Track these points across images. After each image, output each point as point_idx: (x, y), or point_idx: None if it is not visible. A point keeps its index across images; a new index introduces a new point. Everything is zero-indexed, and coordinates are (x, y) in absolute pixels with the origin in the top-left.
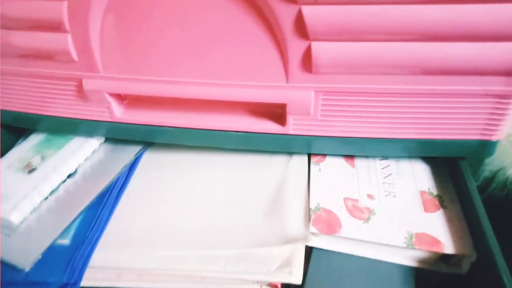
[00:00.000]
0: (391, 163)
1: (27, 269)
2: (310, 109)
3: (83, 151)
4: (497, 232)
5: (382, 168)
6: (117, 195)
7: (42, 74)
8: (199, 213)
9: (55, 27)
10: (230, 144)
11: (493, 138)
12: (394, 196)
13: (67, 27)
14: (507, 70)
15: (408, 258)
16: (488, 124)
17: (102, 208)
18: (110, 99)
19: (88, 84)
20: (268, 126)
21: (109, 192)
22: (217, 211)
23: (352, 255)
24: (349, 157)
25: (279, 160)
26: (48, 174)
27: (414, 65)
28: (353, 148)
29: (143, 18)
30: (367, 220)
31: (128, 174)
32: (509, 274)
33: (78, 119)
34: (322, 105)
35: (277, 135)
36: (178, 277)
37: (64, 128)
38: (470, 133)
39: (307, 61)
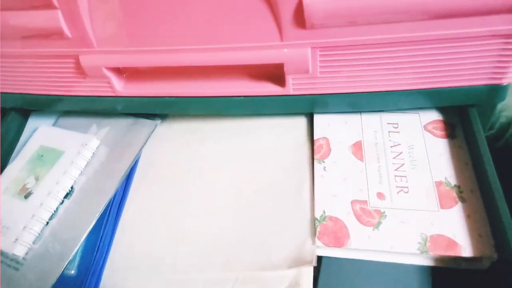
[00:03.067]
0: (403, 150)
1: None
2: (309, 67)
3: (76, 167)
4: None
5: (393, 158)
6: (116, 213)
7: (40, 53)
8: (204, 229)
9: (45, 4)
10: (231, 109)
11: (504, 82)
12: (407, 192)
13: (56, 3)
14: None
15: (424, 260)
16: (497, 67)
17: (104, 230)
18: (109, 74)
19: (85, 60)
20: (268, 88)
21: (108, 211)
22: (223, 226)
23: (364, 260)
24: (357, 146)
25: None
26: (44, 199)
27: (414, 9)
28: (357, 104)
29: None
30: (377, 225)
31: (125, 186)
32: None
33: (81, 96)
34: (321, 61)
35: (278, 97)
36: None
37: (68, 106)
38: (479, 79)
39: (299, 16)
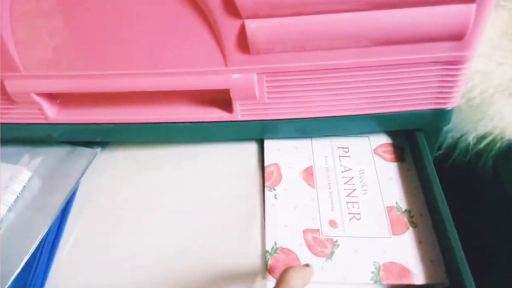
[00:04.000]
0: (354, 174)
1: None
2: (255, 93)
3: (3, 203)
4: (461, 201)
5: (345, 183)
6: (49, 252)
7: None
8: (147, 268)
9: None
10: (177, 136)
11: (448, 107)
12: (359, 219)
13: None
14: (452, 34)
15: None
16: (440, 92)
17: (35, 272)
18: (39, 100)
19: (10, 86)
20: (215, 114)
21: (40, 250)
22: (167, 265)
23: None
24: (308, 171)
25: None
26: None
27: (357, 36)
28: (307, 129)
29: (63, 7)
30: (330, 256)
31: (60, 222)
32: None
33: (10, 123)
34: (268, 87)
35: (226, 123)
36: None
37: None
38: (424, 104)
39: (243, 42)
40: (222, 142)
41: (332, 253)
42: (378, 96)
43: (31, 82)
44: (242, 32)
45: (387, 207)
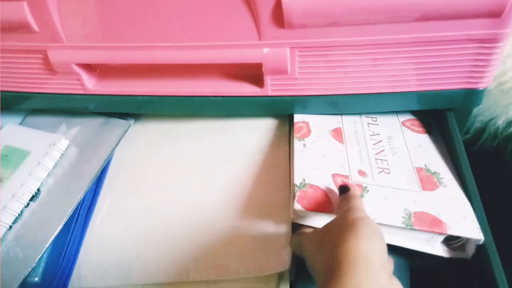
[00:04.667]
0: (383, 138)
1: None
2: (287, 67)
3: (43, 168)
4: (488, 186)
5: (374, 144)
6: (85, 217)
7: (6, 48)
8: (178, 234)
9: None
10: (207, 110)
11: (480, 87)
12: (388, 173)
13: None
14: (489, 10)
15: (407, 239)
16: (473, 71)
17: (71, 236)
18: (79, 70)
19: (53, 56)
20: (246, 89)
21: (76, 215)
22: (197, 231)
23: None
24: (337, 131)
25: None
26: (8, 202)
27: (392, 10)
28: (337, 106)
29: None
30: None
31: (95, 189)
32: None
33: (49, 93)
34: (300, 62)
35: (256, 98)
36: None
37: (36, 104)
38: (455, 83)
39: (278, 15)
40: (252, 117)
41: (361, 195)
42: (409, 74)
43: (72, 53)
44: (277, 6)
45: (416, 167)
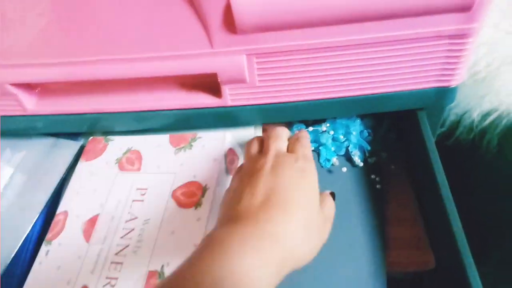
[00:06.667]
0: (136, 227)
1: None
2: (245, 76)
3: None
4: (463, 181)
5: (121, 238)
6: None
7: None
8: None
9: None
10: (164, 125)
11: (452, 84)
12: (113, 286)
13: None
14: (458, 5)
15: None
16: (444, 69)
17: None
18: (15, 90)
19: None
20: (203, 100)
21: (25, 250)
22: None
23: None
24: (90, 224)
25: None
26: None
27: (354, 10)
28: (301, 113)
29: None
30: None
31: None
32: None
33: None
34: (258, 69)
35: (215, 109)
36: None
37: None
38: (426, 82)
39: (229, 20)
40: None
41: None
42: (378, 75)
43: (6, 72)
44: (227, 10)
45: (150, 271)
